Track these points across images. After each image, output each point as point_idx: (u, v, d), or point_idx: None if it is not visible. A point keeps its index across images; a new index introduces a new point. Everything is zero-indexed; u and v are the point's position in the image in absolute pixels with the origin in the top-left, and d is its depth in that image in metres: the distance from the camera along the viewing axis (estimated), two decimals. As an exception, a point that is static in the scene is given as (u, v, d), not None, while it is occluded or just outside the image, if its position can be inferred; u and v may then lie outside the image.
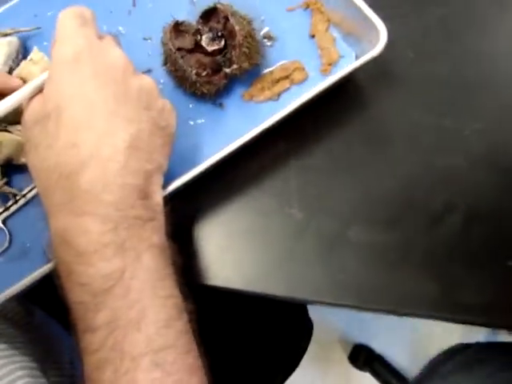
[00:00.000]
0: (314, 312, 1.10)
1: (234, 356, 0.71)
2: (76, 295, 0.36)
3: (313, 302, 0.49)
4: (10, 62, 0.54)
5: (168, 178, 0.45)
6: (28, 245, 0.50)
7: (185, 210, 0.50)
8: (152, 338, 0.36)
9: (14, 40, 0.55)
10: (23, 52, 0.56)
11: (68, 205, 0.36)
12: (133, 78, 0.39)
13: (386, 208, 0.51)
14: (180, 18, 0.52)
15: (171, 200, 0.48)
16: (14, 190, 0.51)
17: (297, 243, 0.50)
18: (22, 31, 0.56)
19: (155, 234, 0.38)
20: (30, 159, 0.40)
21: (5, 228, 0.50)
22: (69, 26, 0.38)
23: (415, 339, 1.21)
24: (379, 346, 1.20)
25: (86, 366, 0.36)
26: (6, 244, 0.50)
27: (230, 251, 0.50)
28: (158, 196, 0.40)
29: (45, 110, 0.38)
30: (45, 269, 0.45)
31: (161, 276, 0.37)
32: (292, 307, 0.77)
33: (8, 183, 0.51)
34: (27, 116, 0.39)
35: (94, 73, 0.37)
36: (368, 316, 1.22)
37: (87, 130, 0.37)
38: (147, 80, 0.40)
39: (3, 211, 0.51)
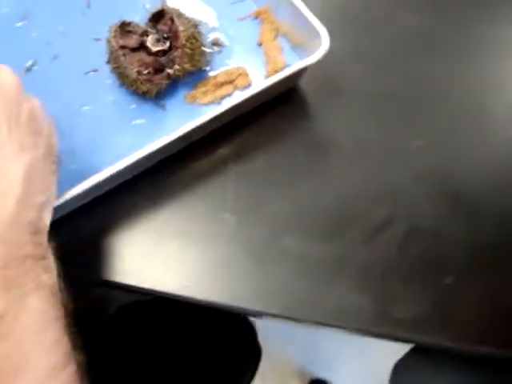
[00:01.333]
0: (272, 344, 1.08)
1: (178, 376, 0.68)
2: None
3: (237, 309, 0.47)
4: None
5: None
6: None
7: (111, 214, 0.49)
8: None
9: None
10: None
11: None
12: (24, 100, 0.37)
13: (324, 220, 0.50)
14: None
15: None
16: None
17: (229, 249, 0.48)
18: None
19: (46, 273, 0.35)
20: None
21: None
22: None
23: (375, 372, 1.18)
24: (338, 380, 1.17)
25: None
26: None
27: (159, 254, 0.48)
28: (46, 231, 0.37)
29: None
30: None
31: (48, 319, 0.34)
32: (240, 331, 0.74)
33: None
34: None
35: None
36: (328, 349, 1.19)
37: None
38: (36, 102, 0.38)
39: None
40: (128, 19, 0.53)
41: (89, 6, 0.56)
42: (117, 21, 0.52)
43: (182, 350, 0.68)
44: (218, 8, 0.56)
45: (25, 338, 0.33)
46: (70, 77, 0.53)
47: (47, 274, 0.35)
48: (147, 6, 0.56)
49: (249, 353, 0.74)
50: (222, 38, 0.54)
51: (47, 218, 0.37)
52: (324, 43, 0.48)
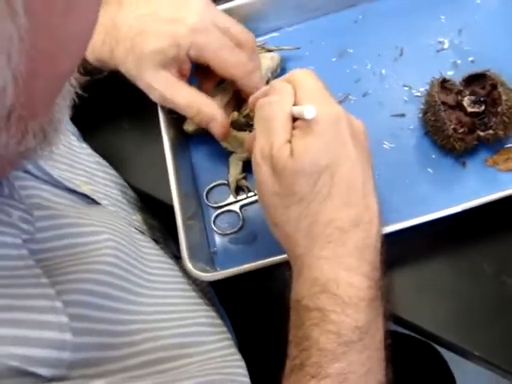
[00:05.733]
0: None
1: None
2: (322, 341, 0.38)
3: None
4: (269, 74, 0.61)
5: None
6: (256, 234, 0.55)
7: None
8: None
9: (275, 56, 0.62)
10: (282, 69, 0.62)
11: (336, 259, 0.39)
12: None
13: None
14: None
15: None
16: (248, 185, 0.57)
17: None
18: (283, 49, 0.63)
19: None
20: (287, 204, 0.41)
21: (240, 213, 0.57)
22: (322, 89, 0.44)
23: None
24: None
25: None
26: (239, 227, 0.56)
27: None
28: None
29: (318, 165, 0.40)
30: (268, 261, 0.50)
31: (382, 339, 0.40)
32: (433, 361, 0.75)
33: (245, 178, 0.58)
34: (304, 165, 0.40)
35: (351, 136, 0.41)
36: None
37: (354, 192, 0.40)
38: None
39: (238, 201, 0.57)
40: (437, 73, 0.57)
41: (401, 54, 0.61)
42: (426, 73, 0.57)
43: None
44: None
45: (373, 353, 0.39)
46: (376, 114, 0.58)
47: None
48: (459, 62, 0.60)
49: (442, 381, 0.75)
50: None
51: None
52: None
